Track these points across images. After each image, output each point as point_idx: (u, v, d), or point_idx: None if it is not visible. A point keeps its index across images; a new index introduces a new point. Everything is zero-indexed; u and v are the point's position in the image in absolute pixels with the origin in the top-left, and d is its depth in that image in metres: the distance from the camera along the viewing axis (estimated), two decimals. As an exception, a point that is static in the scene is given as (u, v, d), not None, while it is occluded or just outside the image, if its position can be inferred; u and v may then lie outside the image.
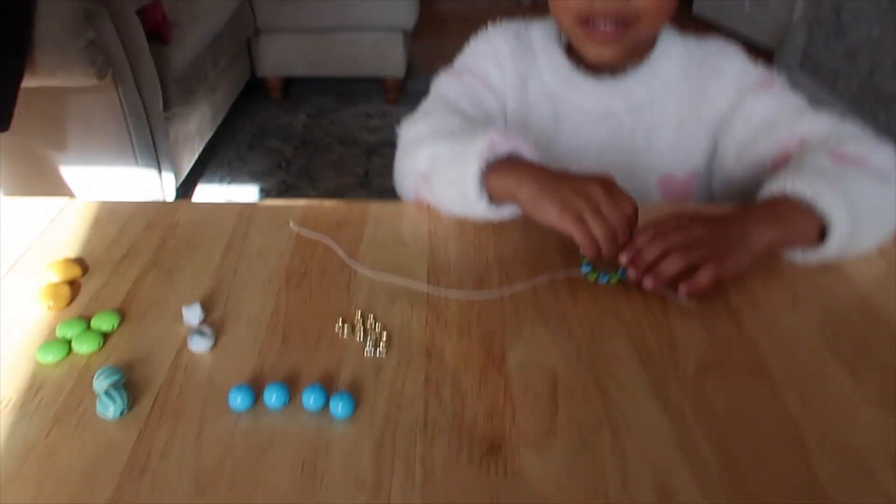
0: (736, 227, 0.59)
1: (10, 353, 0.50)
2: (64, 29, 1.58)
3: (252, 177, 2.41)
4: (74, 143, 1.84)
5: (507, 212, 0.65)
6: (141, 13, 2.06)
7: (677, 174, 0.80)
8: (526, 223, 0.67)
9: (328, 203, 0.70)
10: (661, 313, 0.57)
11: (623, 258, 0.57)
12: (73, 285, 0.56)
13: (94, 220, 0.66)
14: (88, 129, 1.83)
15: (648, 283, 0.56)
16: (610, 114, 0.77)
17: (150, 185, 1.96)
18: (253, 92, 2.90)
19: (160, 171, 1.99)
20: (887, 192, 0.64)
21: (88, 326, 0.52)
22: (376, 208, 0.69)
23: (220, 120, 2.53)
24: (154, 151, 1.96)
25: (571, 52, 0.77)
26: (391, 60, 2.81)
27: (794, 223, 0.60)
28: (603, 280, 0.60)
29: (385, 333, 0.53)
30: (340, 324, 0.53)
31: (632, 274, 0.57)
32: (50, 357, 0.49)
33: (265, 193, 2.30)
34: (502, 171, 0.62)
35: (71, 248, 0.62)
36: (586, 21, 0.69)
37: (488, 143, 0.62)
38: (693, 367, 0.52)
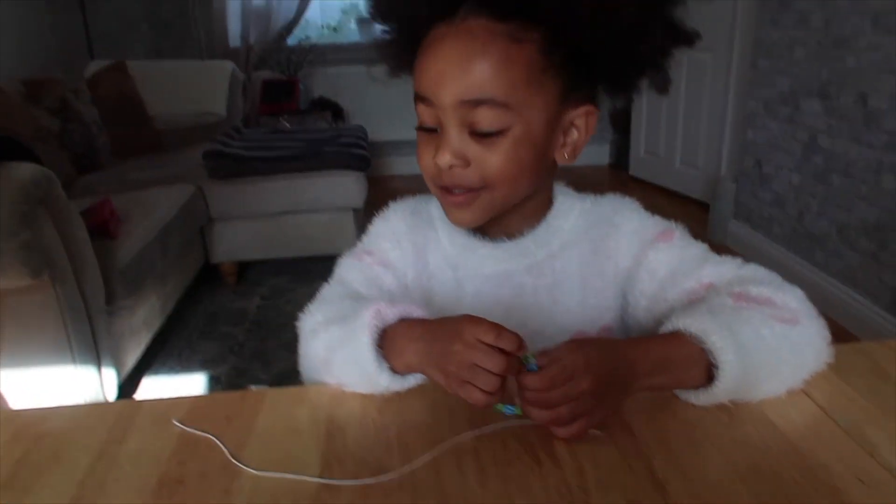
0: (622, 374, 0.58)
1: None
2: (-1, 232, 1.58)
3: (203, 365, 2.33)
4: (9, 344, 1.78)
5: (412, 380, 0.63)
6: (88, 211, 2.10)
7: (589, 331, 0.78)
8: (428, 390, 0.63)
9: (220, 395, 0.65)
10: (579, 489, 0.52)
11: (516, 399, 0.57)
12: None
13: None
14: (24, 330, 1.78)
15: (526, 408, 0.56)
16: (510, 275, 0.77)
17: (89, 384, 1.88)
18: (207, 278, 2.90)
19: (100, 369, 1.92)
20: (790, 334, 0.62)
21: None
22: (272, 396, 0.65)
23: (170, 309, 2.49)
24: (94, 349, 1.90)
25: None
26: (343, 238, 2.87)
27: (681, 365, 0.60)
28: (508, 411, 0.58)
29: (261, 545, 0.46)
30: (210, 537, 0.47)
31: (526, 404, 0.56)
32: None
33: (215, 381, 2.22)
34: (395, 339, 0.62)
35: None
36: (444, 188, 0.70)
37: (373, 313, 0.63)
38: (614, 552, 0.46)
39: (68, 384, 1.83)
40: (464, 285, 0.78)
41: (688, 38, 0.67)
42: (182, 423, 0.60)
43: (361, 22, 4.29)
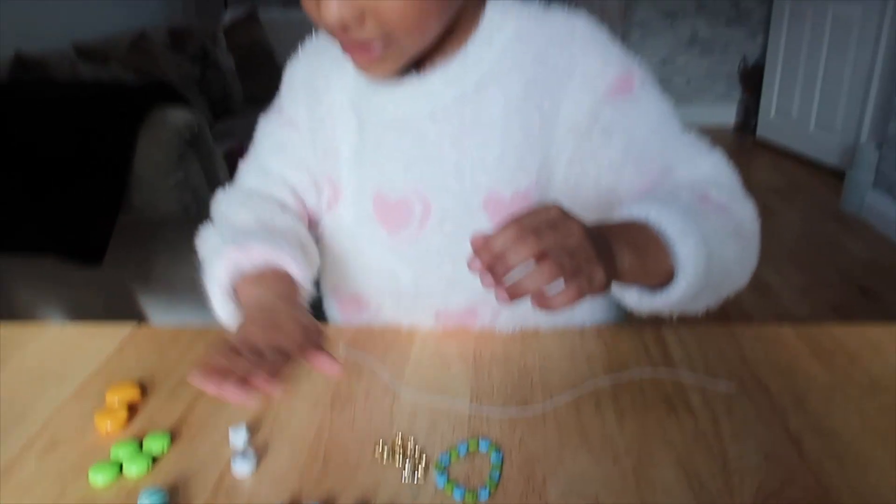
0: (601, 241, 0.48)
1: (66, 474, 0.52)
2: (157, 171, 1.74)
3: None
4: (162, 269, 1.97)
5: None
6: (225, 154, 2.26)
7: (502, 193, 0.66)
8: (567, 337, 0.67)
9: (376, 329, 0.72)
10: (714, 437, 0.54)
11: (475, 263, 0.45)
12: (131, 408, 0.59)
13: (157, 344, 0.70)
14: (174, 258, 1.96)
15: (503, 296, 0.44)
16: (408, 120, 0.66)
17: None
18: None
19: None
20: (742, 254, 0.59)
21: (140, 448, 0.54)
22: (422, 334, 0.71)
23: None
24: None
25: None
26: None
27: (650, 257, 0.52)
28: (458, 496, 0.49)
29: (424, 458, 0.52)
30: (381, 447, 0.53)
31: (486, 281, 0.45)
32: (100, 479, 0.51)
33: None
34: (244, 288, 0.62)
35: (133, 372, 0.65)
36: (343, 43, 0.60)
37: (227, 267, 0.62)
38: (750, 495, 0.48)
39: (209, 313, 2.02)
40: (365, 133, 0.69)
41: None
42: (348, 348, 0.67)
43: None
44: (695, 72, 4.16)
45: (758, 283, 2.30)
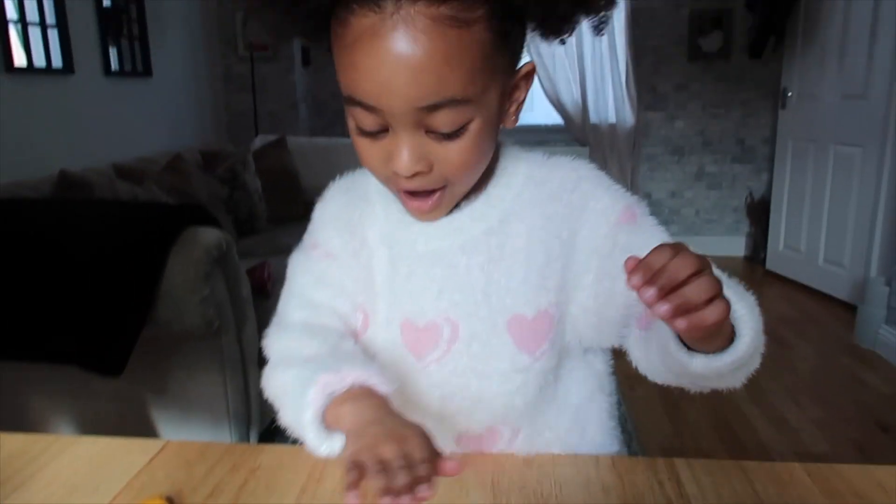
0: None
1: (93, 588, 0.54)
2: (185, 286, 1.81)
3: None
4: (176, 383, 1.99)
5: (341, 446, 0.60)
6: (249, 271, 2.34)
7: (526, 314, 0.72)
8: (582, 467, 0.69)
9: (398, 450, 0.74)
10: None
11: (635, 280, 0.48)
12: (160, 523, 0.61)
13: (185, 460, 0.72)
14: (189, 373, 1.99)
15: (669, 309, 0.47)
16: (442, 253, 0.72)
17: (236, 432, 2.05)
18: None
19: (249, 421, 2.09)
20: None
21: (167, 564, 0.55)
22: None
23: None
24: (246, 400, 2.08)
25: None
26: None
27: None
28: None
29: (443, 585, 0.53)
30: (400, 573, 0.54)
31: (648, 296, 0.47)
32: (128, 593, 0.52)
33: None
34: (339, 409, 0.60)
35: (162, 486, 0.67)
36: (404, 190, 0.66)
37: (320, 388, 0.60)
38: None
39: (220, 429, 2.01)
40: (397, 264, 0.74)
41: None
42: (368, 472, 0.69)
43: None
44: (703, 204, 4.30)
45: (774, 416, 2.27)
